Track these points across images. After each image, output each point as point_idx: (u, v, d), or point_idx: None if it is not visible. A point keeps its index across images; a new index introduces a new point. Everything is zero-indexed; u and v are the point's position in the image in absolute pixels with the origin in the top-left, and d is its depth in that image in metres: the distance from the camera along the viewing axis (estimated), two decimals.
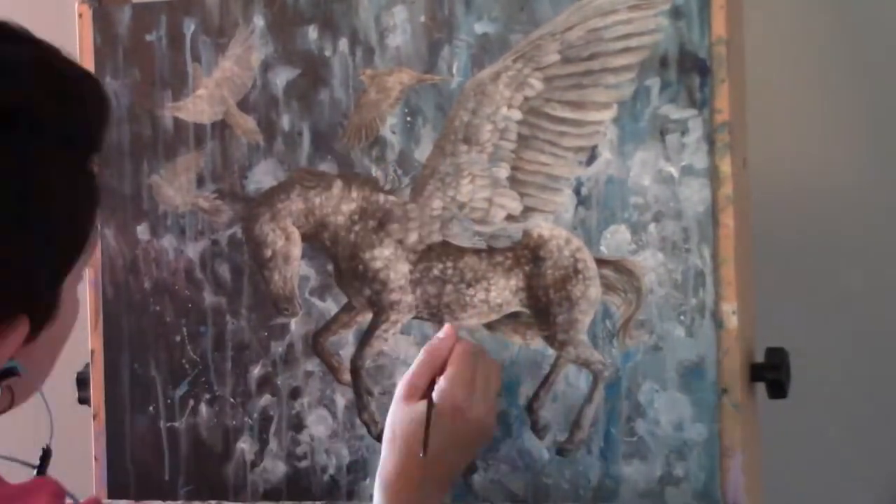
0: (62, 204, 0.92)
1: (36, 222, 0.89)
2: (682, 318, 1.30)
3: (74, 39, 1.46)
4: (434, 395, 1.25)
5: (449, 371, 1.26)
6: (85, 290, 1.46)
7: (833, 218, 1.66)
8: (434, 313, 1.37)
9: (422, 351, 1.28)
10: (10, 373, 0.92)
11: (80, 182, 0.95)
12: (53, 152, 0.91)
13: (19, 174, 0.88)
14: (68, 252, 0.94)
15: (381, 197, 1.38)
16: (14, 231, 0.88)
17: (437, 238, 1.37)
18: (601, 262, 1.33)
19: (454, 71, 1.37)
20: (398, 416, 1.26)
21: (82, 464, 1.47)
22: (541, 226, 1.34)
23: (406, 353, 1.38)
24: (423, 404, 1.24)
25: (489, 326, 1.36)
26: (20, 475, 1.00)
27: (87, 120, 0.96)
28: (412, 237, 1.37)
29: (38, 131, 0.90)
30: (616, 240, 1.33)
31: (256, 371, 1.43)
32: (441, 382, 1.25)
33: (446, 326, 1.30)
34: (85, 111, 0.96)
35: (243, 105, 1.42)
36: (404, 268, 1.37)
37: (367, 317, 1.39)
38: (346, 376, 1.40)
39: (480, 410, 1.26)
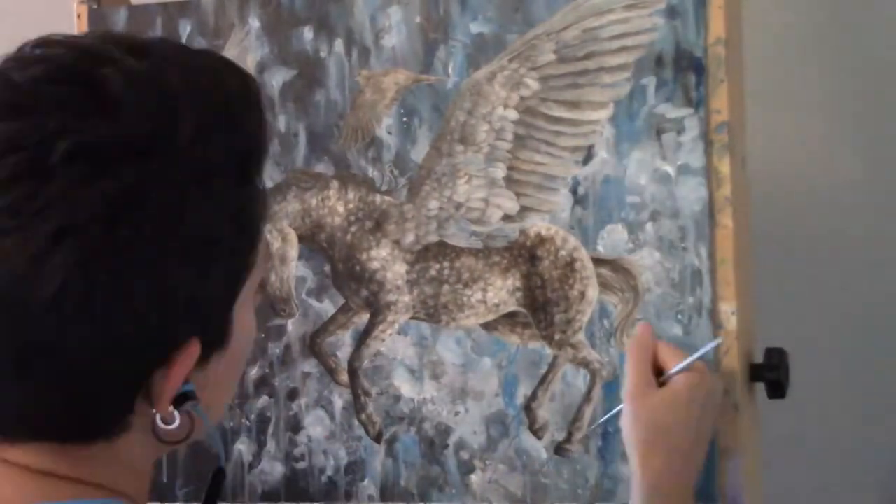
0: (223, 228, 0.88)
1: (197, 250, 0.86)
2: (679, 316, 1.30)
3: None
4: (681, 377, 1.22)
5: (678, 355, 1.24)
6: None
7: (832, 218, 1.66)
8: (431, 314, 1.37)
9: (629, 353, 1.26)
10: (187, 397, 0.89)
11: (240, 202, 0.90)
12: (209, 180, 0.87)
13: (171, 205, 0.84)
14: (235, 274, 0.91)
15: (378, 197, 1.38)
16: (177, 260, 0.85)
17: (433, 238, 1.37)
18: (598, 262, 1.33)
19: (450, 71, 1.37)
20: (646, 412, 1.22)
21: None
22: (538, 225, 1.34)
23: (403, 353, 1.38)
24: (663, 390, 1.22)
25: (487, 326, 1.36)
26: None
27: (242, 139, 0.90)
28: (409, 237, 1.37)
29: (187, 161, 0.85)
30: (613, 239, 1.32)
31: (254, 372, 1.42)
32: (683, 369, 1.23)
33: (642, 326, 1.29)
34: (237, 132, 0.90)
35: None
36: (401, 268, 1.37)
37: (365, 317, 1.39)
38: (344, 377, 1.40)
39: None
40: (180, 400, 0.89)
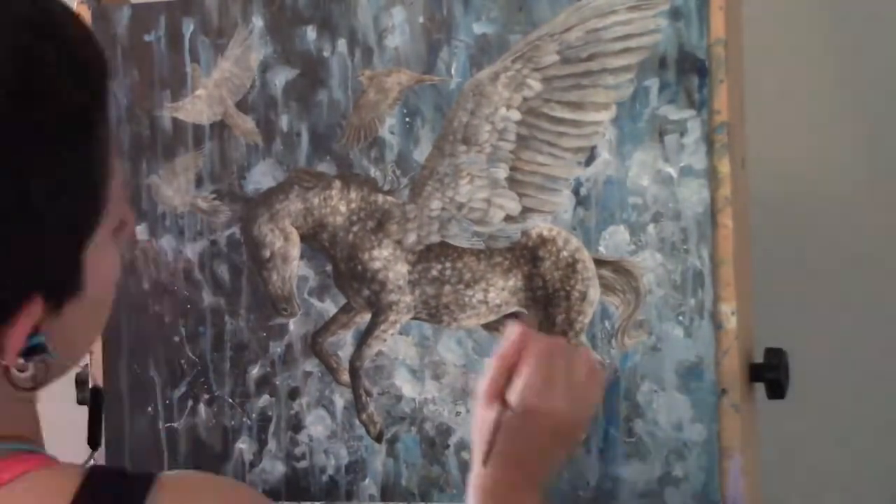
0: (62, 178, 0.87)
1: (34, 198, 0.86)
2: (680, 318, 1.30)
3: None
4: (509, 398, 1.17)
5: (520, 375, 1.16)
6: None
7: (831, 217, 1.66)
8: (433, 314, 1.37)
9: (493, 357, 1.22)
10: (38, 349, 0.88)
11: (80, 151, 0.89)
12: (50, 125, 0.86)
13: (12, 150, 0.84)
14: (77, 223, 0.90)
15: (380, 197, 1.38)
16: (11, 210, 0.85)
17: (435, 238, 1.37)
18: (600, 263, 1.33)
19: (453, 71, 1.37)
20: (480, 421, 1.18)
21: None
22: (539, 226, 1.34)
23: (405, 353, 1.38)
24: (494, 410, 1.20)
25: (488, 327, 1.36)
26: None
27: (85, 86, 0.90)
28: (411, 238, 1.37)
29: (33, 103, 0.86)
30: (615, 240, 1.33)
31: (255, 371, 1.43)
32: (513, 386, 1.16)
33: (514, 327, 1.19)
34: (81, 77, 0.90)
35: (242, 105, 1.42)
36: (403, 268, 1.37)
37: (366, 317, 1.39)
38: (345, 377, 1.40)
39: (558, 408, 1.16)
40: (31, 352, 0.88)
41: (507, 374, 1.18)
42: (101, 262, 0.92)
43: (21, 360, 0.88)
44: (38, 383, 0.90)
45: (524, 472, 1.18)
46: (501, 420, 1.16)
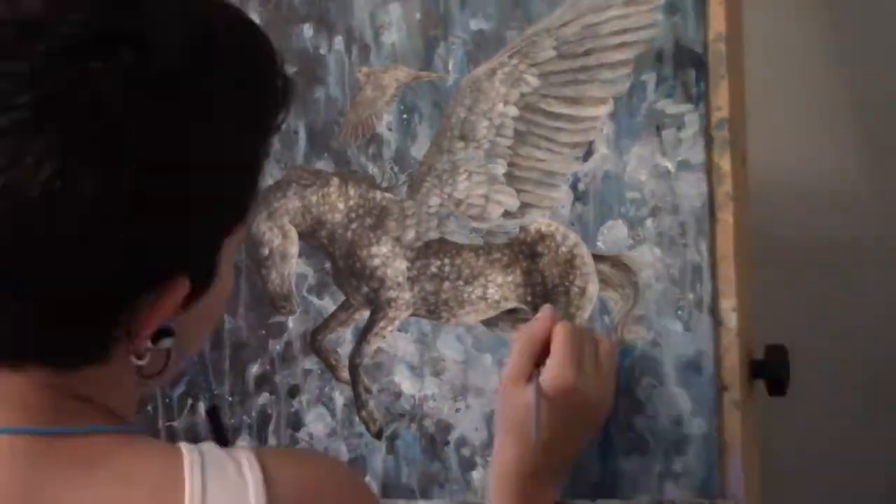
0: (233, 163, 0.89)
1: (205, 176, 0.87)
2: (679, 313, 1.30)
3: None
4: (542, 377, 1.22)
5: (554, 353, 1.22)
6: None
7: (833, 215, 1.66)
8: (432, 310, 1.37)
9: (518, 337, 1.26)
10: (167, 333, 0.89)
11: (252, 144, 0.92)
12: (243, 107, 0.90)
13: (201, 124, 0.86)
14: (229, 215, 0.91)
15: (378, 194, 1.38)
16: (181, 182, 0.85)
17: (434, 235, 1.37)
18: (598, 258, 1.33)
19: (450, 68, 1.37)
20: (510, 403, 1.23)
21: None
22: (538, 221, 1.34)
23: (404, 350, 1.38)
24: (531, 388, 1.22)
25: (487, 323, 1.36)
26: None
27: (275, 87, 0.96)
28: (409, 234, 1.37)
29: (233, 78, 0.89)
30: (613, 235, 1.32)
31: (254, 369, 1.42)
32: (548, 365, 1.22)
33: (546, 307, 1.27)
34: (275, 79, 0.97)
35: None
36: (402, 265, 1.37)
37: (365, 314, 1.39)
38: (345, 374, 1.40)
39: (591, 390, 1.23)
40: (158, 336, 0.89)
41: (535, 355, 1.22)
42: (227, 268, 0.93)
43: (147, 344, 0.89)
44: (157, 371, 0.92)
45: (555, 457, 1.21)
46: (540, 402, 1.19)
